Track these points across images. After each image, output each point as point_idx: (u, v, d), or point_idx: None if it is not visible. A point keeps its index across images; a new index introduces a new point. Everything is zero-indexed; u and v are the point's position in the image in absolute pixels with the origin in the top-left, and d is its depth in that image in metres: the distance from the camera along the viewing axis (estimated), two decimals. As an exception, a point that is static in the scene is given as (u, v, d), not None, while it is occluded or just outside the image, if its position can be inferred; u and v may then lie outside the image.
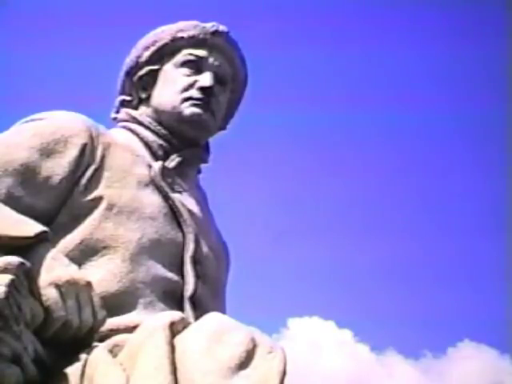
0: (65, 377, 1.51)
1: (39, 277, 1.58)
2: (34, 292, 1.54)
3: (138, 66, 2.36)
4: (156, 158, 2.21)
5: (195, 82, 2.28)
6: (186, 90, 2.27)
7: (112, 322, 1.77)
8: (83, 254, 1.92)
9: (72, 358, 1.56)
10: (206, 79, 2.28)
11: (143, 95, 2.34)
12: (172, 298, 1.99)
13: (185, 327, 1.56)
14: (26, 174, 1.94)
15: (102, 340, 1.67)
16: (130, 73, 2.37)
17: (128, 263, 1.94)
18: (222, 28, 2.38)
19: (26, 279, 1.49)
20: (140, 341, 1.51)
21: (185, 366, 1.44)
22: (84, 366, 1.52)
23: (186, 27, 2.36)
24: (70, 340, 1.60)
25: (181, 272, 2.04)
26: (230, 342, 1.47)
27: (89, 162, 2.03)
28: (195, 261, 2.06)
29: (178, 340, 1.50)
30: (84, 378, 1.50)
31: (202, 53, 2.33)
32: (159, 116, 2.28)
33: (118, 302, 1.86)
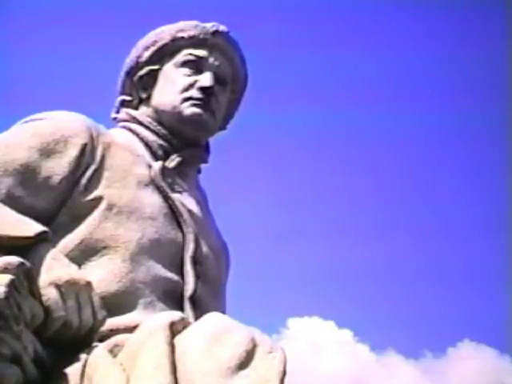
0: (65, 377, 1.51)
1: (39, 277, 1.59)
2: (34, 292, 1.54)
3: (138, 66, 2.36)
4: (156, 158, 2.21)
5: (195, 81, 2.28)
6: (186, 89, 2.27)
7: (112, 322, 1.77)
8: (83, 254, 1.92)
9: (72, 358, 1.56)
10: (206, 79, 2.28)
11: (143, 95, 2.34)
12: (172, 298, 1.99)
13: (185, 327, 1.56)
14: (26, 174, 1.94)
15: (102, 340, 1.67)
16: (130, 73, 2.37)
17: (128, 263, 1.94)
18: (222, 28, 2.38)
19: (25, 279, 1.49)
20: (140, 341, 1.51)
21: (185, 365, 1.44)
22: (84, 366, 1.52)
23: (186, 27, 2.36)
24: (70, 340, 1.60)
25: (181, 272, 2.04)
26: (229, 342, 1.47)
27: (89, 162, 2.04)
28: (195, 261, 2.07)
29: (177, 340, 1.50)
30: (84, 378, 1.50)
31: (202, 53, 2.33)
32: (159, 116, 2.28)
33: (118, 302, 1.86)
